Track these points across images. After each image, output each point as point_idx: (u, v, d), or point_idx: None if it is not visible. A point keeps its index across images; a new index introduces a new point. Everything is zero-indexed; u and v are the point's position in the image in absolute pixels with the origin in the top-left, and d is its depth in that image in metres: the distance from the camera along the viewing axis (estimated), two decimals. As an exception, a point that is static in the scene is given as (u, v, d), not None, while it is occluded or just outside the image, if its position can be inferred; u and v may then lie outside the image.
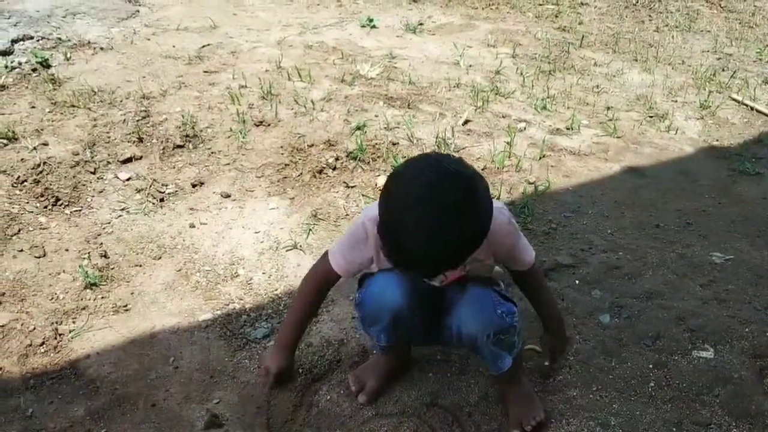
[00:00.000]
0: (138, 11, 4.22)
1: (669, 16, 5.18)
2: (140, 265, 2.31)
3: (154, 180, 2.69)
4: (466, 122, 3.23)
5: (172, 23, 4.07)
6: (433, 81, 3.60)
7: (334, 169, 2.80)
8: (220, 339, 2.02)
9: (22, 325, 2.00)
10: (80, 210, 2.52)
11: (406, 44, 4.09)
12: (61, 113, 2.97)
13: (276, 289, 2.22)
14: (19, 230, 2.36)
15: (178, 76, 3.36)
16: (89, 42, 3.67)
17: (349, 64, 3.67)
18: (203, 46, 3.76)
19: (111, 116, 2.97)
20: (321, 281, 1.67)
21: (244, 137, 2.92)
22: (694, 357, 1.91)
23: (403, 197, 1.25)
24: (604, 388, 1.81)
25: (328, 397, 1.80)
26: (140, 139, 2.87)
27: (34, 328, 1.99)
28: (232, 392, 1.84)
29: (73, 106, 3.02)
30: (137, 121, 2.95)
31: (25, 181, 2.55)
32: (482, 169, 2.85)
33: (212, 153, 2.86)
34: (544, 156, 3.02)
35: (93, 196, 2.59)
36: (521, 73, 3.81)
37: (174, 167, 2.78)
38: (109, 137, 2.85)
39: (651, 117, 3.53)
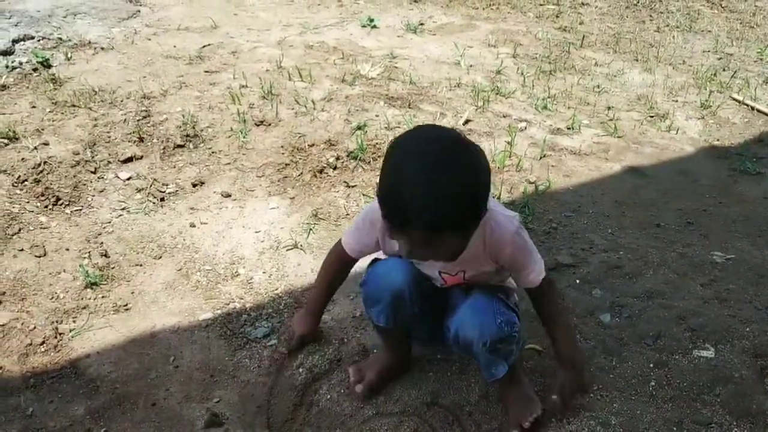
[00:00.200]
0: (139, 11, 4.23)
1: (670, 16, 5.18)
2: (141, 265, 2.31)
3: (155, 179, 2.69)
4: (466, 122, 3.23)
5: (172, 23, 4.07)
6: (433, 81, 3.59)
7: (335, 168, 2.80)
8: (220, 338, 2.02)
9: (22, 324, 2.00)
10: (81, 209, 2.53)
11: (406, 44, 4.09)
12: (62, 113, 2.97)
13: (276, 289, 2.22)
14: (20, 230, 2.36)
15: (178, 76, 3.36)
16: (90, 42, 3.67)
17: (350, 64, 3.67)
18: (204, 46, 3.76)
19: (111, 116, 2.98)
20: (335, 260, 1.78)
21: (244, 137, 2.93)
22: (695, 356, 1.90)
23: (399, 155, 1.31)
24: (604, 387, 1.80)
25: (329, 397, 1.80)
26: (141, 139, 2.87)
27: (35, 328, 1.99)
28: (232, 391, 1.85)
29: (74, 105, 3.02)
30: (138, 120, 2.95)
31: (26, 180, 2.55)
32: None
33: (213, 153, 2.86)
34: (544, 156, 3.02)
35: (93, 196, 2.59)
36: (522, 73, 3.81)
37: (174, 167, 2.78)
38: (109, 137, 2.85)
39: (652, 117, 3.53)
